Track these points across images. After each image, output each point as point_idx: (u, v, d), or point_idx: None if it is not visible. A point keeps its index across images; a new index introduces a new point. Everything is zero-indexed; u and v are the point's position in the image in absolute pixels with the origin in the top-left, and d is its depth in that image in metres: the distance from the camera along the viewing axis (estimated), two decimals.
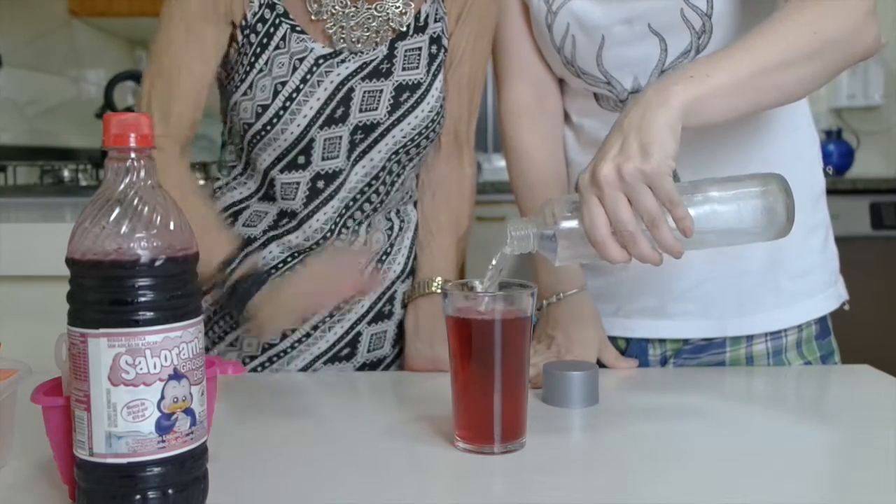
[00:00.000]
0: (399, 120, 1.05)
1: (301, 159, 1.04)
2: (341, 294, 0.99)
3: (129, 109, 3.05)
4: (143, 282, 0.57)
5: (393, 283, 1.14)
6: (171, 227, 0.59)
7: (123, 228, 0.57)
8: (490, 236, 1.48)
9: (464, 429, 0.76)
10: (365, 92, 1.04)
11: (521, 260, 1.22)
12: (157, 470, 0.58)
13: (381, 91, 1.04)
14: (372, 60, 1.04)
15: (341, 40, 1.04)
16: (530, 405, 0.76)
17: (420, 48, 1.06)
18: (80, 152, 2.84)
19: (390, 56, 1.05)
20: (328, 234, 1.08)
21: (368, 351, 1.12)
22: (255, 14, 1.02)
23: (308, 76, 1.02)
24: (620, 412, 0.88)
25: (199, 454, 0.61)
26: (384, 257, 1.13)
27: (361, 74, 1.04)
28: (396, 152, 1.07)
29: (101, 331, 0.57)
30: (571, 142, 1.11)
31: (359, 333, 1.11)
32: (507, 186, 1.72)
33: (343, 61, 1.03)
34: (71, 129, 2.96)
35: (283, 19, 1.03)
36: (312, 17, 1.04)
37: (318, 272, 0.98)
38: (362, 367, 1.13)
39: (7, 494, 0.67)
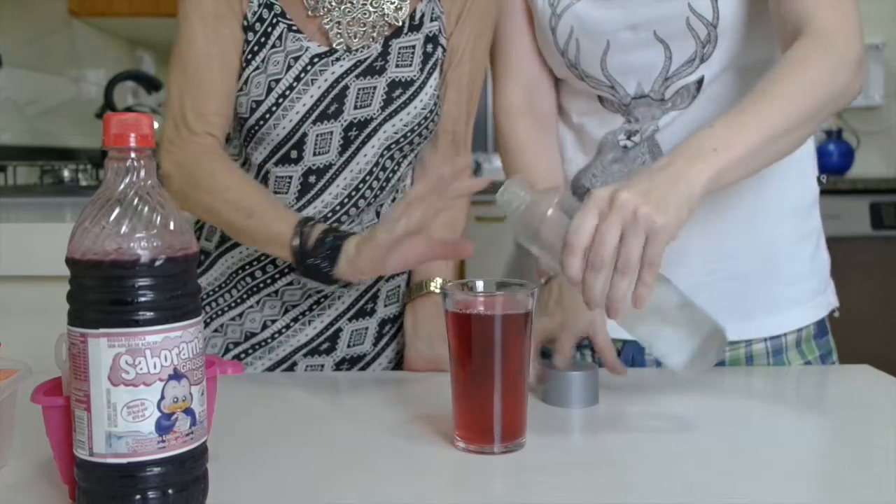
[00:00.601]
0: (391, 115, 1.06)
1: (293, 154, 1.06)
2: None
3: (129, 109, 3.05)
4: (143, 282, 0.57)
5: (376, 281, 1.13)
6: (171, 227, 0.59)
7: (123, 228, 0.57)
8: (490, 236, 1.48)
9: (464, 429, 0.76)
10: (359, 89, 1.05)
11: (521, 260, 1.22)
12: (157, 470, 0.58)
13: (375, 87, 1.06)
14: (367, 58, 1.06)
15: (338, 36, 1.05)
16: (530, 405, 0.76)
17: (414, 46, 1.07)
18: (80, 152, 2.84)
19: (384, 53, 1.06)
20: (329, 217, 1.08)
21: (348, 346, 1.13)
22: (254, 13, 1.05)
23: (302, 74, 1.04)
24: (620, 412, 0.88)
25: (199, 454, 0.61)
26: None
27: (356, 72, 1.05)
28: (389, 147, 1.07)
29: (101, 331, 0.57)
30: (570, 141, 1.11)
31: (339, 329, 1.12)
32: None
33: (338, 59, 1.05)
34: (71, 129, 2.96)
35: (280, 19, 1.05)
36: (309, 14, 1.05)
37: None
38: (341, 363, 1.13)
39: (7, 494, 0.67)
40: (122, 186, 0.59)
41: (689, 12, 0.96)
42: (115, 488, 0.58)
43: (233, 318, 1.13)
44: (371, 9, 1.06)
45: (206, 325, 1.14)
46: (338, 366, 1.14)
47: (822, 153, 3.39)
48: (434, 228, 1.10)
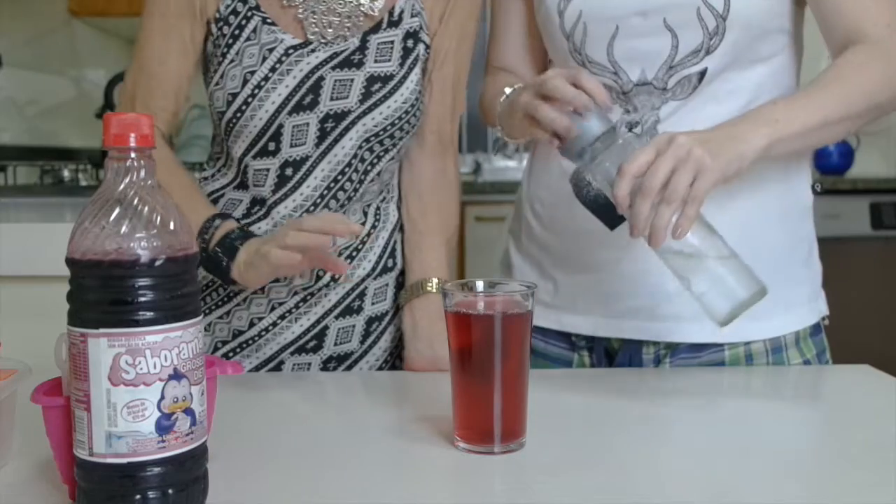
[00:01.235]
0: (370, 109, 1.06)
1: (271, 146, 1.07)
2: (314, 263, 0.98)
3: None
4: (143, 282, 0.57)
5: (363, 279, 1.13)
6: (171, 227, 0.59)
7: (123, 228, 0.57)
8: (490, 236, 1.48)
9: (464, 429, 0.76)
10: (336, 80, 1.06)
11: (512, 255, 1.22)
12: (157, 470, 0.58)
13: (353, 80, 1.06)
14: (343, 51, 1.07)
15: (312, 25, 1.07)
16: (530, 405, 0.76)
17: (393, 41, 1.08)
18: (80, 152, 2.85)
19: (362, 48, 1.07)
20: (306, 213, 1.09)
21: (335, 344, 1.12)
22: (227, 6, 1.06)
23: (277, 65, 1.05)
24: (620, 412, 0.88)
25: (199, 454, 0.61)
26: (354, 253, 1.12)
27: (332, 64, 1.06)
28: (367, 140, 1.07)
29: (101, 331, 0.57)
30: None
31: (326, 327, 1.12)
32: (507, 187, 1.72)
33: (313, 51, 1.06)
34: (71, 129, 2.96)
35: (254, 12, 1.06)
36: (284, 4, 1.07)
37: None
38: (328, 360, 1.13)
39: (7, 494, 0.67)
40: (122, 186, 0.59)
41: (700, 2, 0.97)
42: (115, 488, 0.58)
43: (220, 317, 1.13)
44: (349, 1, 1.07)
45: None
46: (325, 364, 1.13)
47: (822, 153, 3.39)
48: (427, 229, 1.13)
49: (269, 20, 1.06)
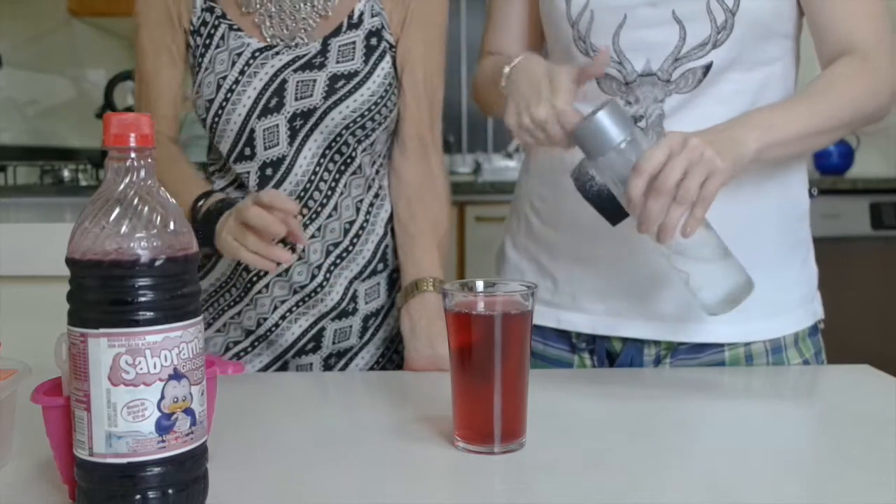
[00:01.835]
0: (336, 104, 1.10)
1: (247, 150, 1.12)
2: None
3: (129, 109, 3.05)
4: (143, 282, 0.57)
5: (351, 282, 1.16)
6: (171, 227, 0.59)
7: (123, 228, 0.57)
8: (490, 236, 1.48)
9: (464, 429, 0.76)
10: (298, 82, 1.11)
11: (508, 253, 1.22)
12: (157, 470, 0.58)
13: (315, 80, 1.11)
14: (305, 54, 1.11)
15: (269, 29, 1.12)
16: (530, 405, 0.76)
17: (354, 42, 1.12)
18: (80, 152, 2.84)
19: (323, 51, 1.11)
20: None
21: (333, 343, 1.16)
22: (198, 18, 1.13)
23: (245, 68, 1.11)
24: (620, 412, 0.88)
25: (199, 454, 0.61)
26: (344, 254, 1.15)
27: (294, 67, 1.11)
28: (340, 134, 1.12)
29: (101, 331, 0.57)
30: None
31: (323, 328, 1.16)
32: (507, 187, 1.72)
33: (277, 54, 1.11)
34: (71, 129, 2.96)
35: (221, 20, 1.13)
36: (243, 11, 1.13)
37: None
38: (329, 358, 1.16)
39: (7, 494, 0.67)
40: (122, 186, 0.59)
41: None
42: (115, 488, 0.58)
43: (232, 317, 1.17)
44: (301, 3, 1.12)
45: (209, 325, 1.18)
46: (325, 361, 1.16)
47: (822, 153, 3.39)
48: (417, 232, 1.16)
49: (234, 26, 1.12)
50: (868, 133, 3.41)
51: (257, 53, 1.11)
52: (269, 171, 1.11)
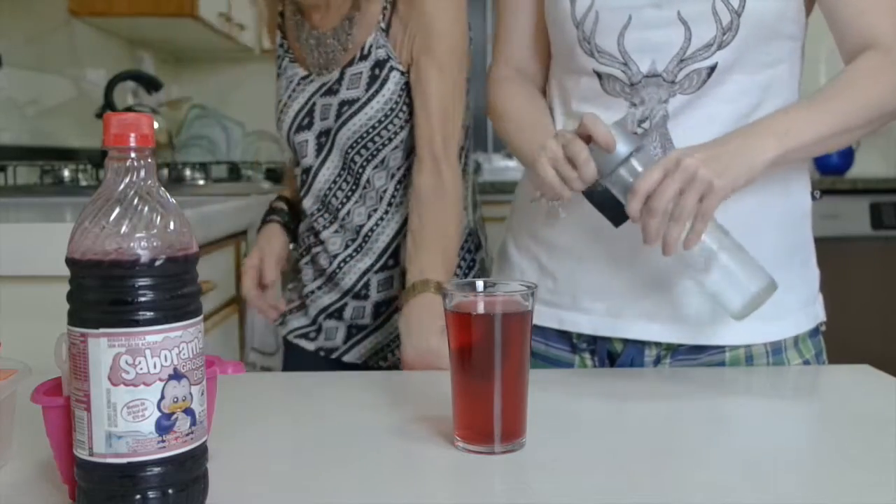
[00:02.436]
0: (342, 125, 1.29)
1: (297, 158, 1.37)
2: None
3: (129, 109, 3.05)
4: (143, 282, 0.57)
5: (365, 272, 1.32)
6: (171, 227, 0.59)
7: (123, 228, 0.57)
8: (490, 236, 1.48)
9: (464, 429, 0.76)
10: (322, 105, 1.32)
11: (507, 253, 1.22)
12: (157, 470, 0.58)
13: (331, 105, 1.30)
14: (328, 82, 1.31)
15: (309, 59, 1.34)
16: (530, 405, 0.76)
17: (362, 72, 1.28)
18: (80, 152, 2.84)
19: (340, 79, 1.30)
20: (314, 213, 1.36)
21: (352, 318, 1.35)
22: (279, 45, 1.40)
23: (293, 93, 1.35)
24: (620, 412, 0.88)
25: (199, 454, 0.61)
26: (357, 249, 1.33)
27: (320, 93, 1.32)
28: (351, 147, 1.29)
29: (101, 331, 0.57)
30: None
31: (345, 304, 1.35)
32: (507, 186, 1.71)
33: (312, 82, 1.33)
34: (71, 129, 2.96)
35: (285, 53, 1.39)
36: (296, 44, 1.36)
37: None
38: (350, 328, 1.35)
39: (7, 494, 0.67)
40: (122, 186, 0.59)
41: None
42: (115, 488, 0.58)
43: (307, 262, 1.40)
44: (330, 38, 1.30)
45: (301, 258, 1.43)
46: (348, 329, 1.35)
47: (821, 157, 3.38)
48: (422, 242, 1.23)
49: (291, 57, 1.37)
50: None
51: (301, 81, 1.34)
52: (304, 177, 1.35)
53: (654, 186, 0.89)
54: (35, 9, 2.76)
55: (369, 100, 1.26)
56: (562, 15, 1.06)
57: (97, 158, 2.65)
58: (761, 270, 0.93)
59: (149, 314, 0.57)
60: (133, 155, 0.59)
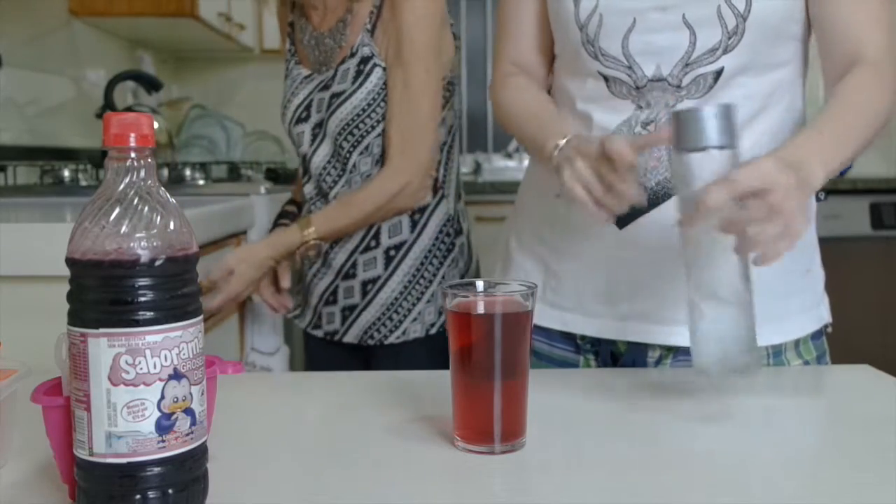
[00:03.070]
0: (330, 116, 1.48)
1: (296, 148, 1.57)
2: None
3: (129, 109, 3.05)
4: (143, 282, 0.57)
5: (352, 253, 1.50)
6: (171, 227, 0.59)
7: (123, 228, 0.57)
8: (491, 236, 1.49)
9: (464, 429, 0.76)
10: (318, 100, 1.51)
11: (510, 255, 1.22)
12: (157, 470, 0.58)
13: (324, 98, 1.49)
14: (324, 79, 1.50)
15: (309, 59, 1.53)
16: (530, 405, 0.76)
17: (349, 68, 1.46)
18: (80, 152, 2.84)
19: (333, 76, 1.48)
20: (313, 197, 1.55)
21: (344, 298, 1.52)
22: (288, 50, 1.59)
23: (295, 91, 1.55)
24: (620, 412, 0.88)
25: (199, 454, 0.61)
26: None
27: (318, 89, 1.51)
28: (338, 135, 1.48)
29: (101, 331, 0.57)
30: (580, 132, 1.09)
31: (336, 286, 1.53)
32: (507, 187, 1.71)
33: (311, 80, 1.52)
34: (71, 129, 2.95)
35: (291, 55, 1.58)
36: (300, 47, 1.55)
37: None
38: (344, 310, 1.52)
39: (7, 494, 0.67)
40: (122, 186, 0.59)
41: (721, 0, 0.96)
42: (115, 488, 0.58)
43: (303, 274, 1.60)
44: (327, 39, 1.50)
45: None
46: (342, 312, 1.52)
47: None
48: (343, 198, 1.51)
49: (296, 59, 1.57)
50: None
51: (304, 80, 1.53)
52: (303, 165, 1.56)
53: (751, 192, 0.78)
54: (35, 9, 2.76)
55: (355, 91, 1.44)
56: (565, 16, 1.05)
57: (97, 158, 2.65)
58: (757, 347, 0.83)
59: (149, 314, 0.57)
60: (133, 155, 0.59)
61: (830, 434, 0.84)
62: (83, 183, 2.49)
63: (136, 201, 0.58)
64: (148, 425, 0.57)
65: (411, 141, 1.44)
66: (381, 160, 1.47)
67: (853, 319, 2.98)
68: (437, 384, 0.95)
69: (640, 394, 0.95)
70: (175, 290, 0.58)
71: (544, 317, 1.10)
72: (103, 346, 0.57)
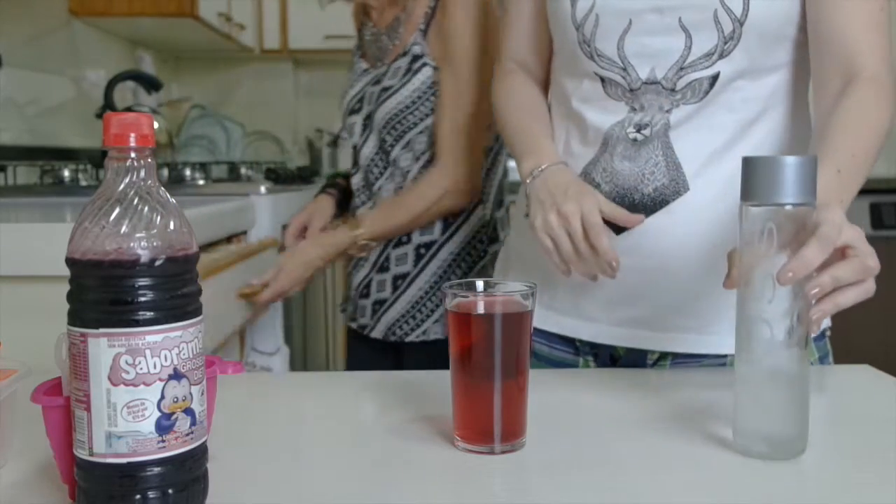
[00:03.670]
0: (376, 109, 1.53)
1: (350, 138, 1.63)
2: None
3: (129, 109, 3.05)
4: (143, 282, 0.57)
5: (385, 247, 1.56)
6: (171, 227, 0.59)
7: (123, 228, 0.57)
8: None
9: (464, 429, 0.76)
10: (370, 93, 1.57)
11: (511, 256, 1.22)
12: (157, 470, 0.58)
13: (375, 92, 1.55)
14: (378, 74, 1.56)
15: (369, 52, 1.60)
16: (530, 405, 0.76)
17: (401, 65, 1.51)
18: (80, 152, 2.84)
19: (386, 72, 1.54)
20: (359, 189, 1.61)
21: (377, 292, 1.57)
22: (356, 47, 1.67)
23: (353, 83, 1.62)
24: (620, 412, 0.88)
25: (199, 454, 0.61)
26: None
27: (371, 83, 1.57)
28: (381, 131, 1.54)
29: (101, 331, 0.57)
30: (573, 132, 1.08)
31: (371, 279, 1.58)
32: (507, 186, 1.72)
33: (368, 74, 1.59)
34: (71, 129, 2.95)
35: (357, 49, 1.66)
36: (363, 43, 1.63)
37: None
38: (375, 304, 1.57)
39: (7, 494, 0.67)
40: (122, 186, 0.59)
41: (718, 4, 0.95)
42: (115, 488, 0.58)
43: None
44: (383, 36, 1.57)
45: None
46: (373, 306, 1.56)
47: None
48: (401, 196, 1.57)
49: (360, 53, 1.64)
50: None
51: (362, 73, 1.61)
52: (354, 155, 1.62)
53: (833, 246, 0.73)
54: (35, 9, 2.76)
55: (402, 87, 1.49)
56: (562, 16, 1.05)
57: (97, 158, 2.65)
58: (803, 423, 0.74)
59: (149, 314, 0.57)
60: (133, 155, 0.59)
61: (831, 434, 0.84)
62: (83, 183, 2.49)
63: (136, 201, 0.58)
64: (148, 425, 0.57)
65: (460, 141, 1.47)
66: (421, 157, 1.51)
67: (854, 319, 2.97)
68: (437, 384, 0.95)
69: (641, 394, 0.95)
70: (175, 290, 0.58)
71: (543, 320, 1.10)
72: (103, 346, 0.57)
